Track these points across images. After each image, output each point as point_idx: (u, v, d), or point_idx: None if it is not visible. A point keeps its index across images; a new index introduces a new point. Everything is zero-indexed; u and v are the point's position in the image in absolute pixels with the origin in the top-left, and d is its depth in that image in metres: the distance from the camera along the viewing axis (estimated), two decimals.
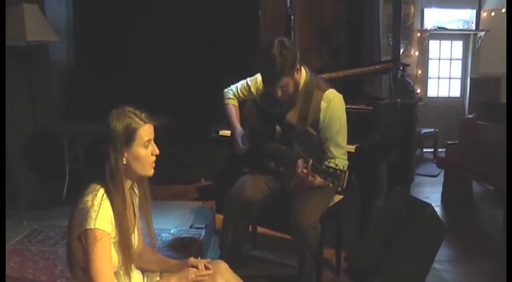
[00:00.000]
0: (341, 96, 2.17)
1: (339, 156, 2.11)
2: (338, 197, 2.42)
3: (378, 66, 2.80)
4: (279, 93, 2.02)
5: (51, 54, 3.67)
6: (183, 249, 2.68)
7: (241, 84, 2.43)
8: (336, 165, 1.81)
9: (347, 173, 1.77)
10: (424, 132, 5.50)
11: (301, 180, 1.96)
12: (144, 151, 1.51)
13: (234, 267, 2.38)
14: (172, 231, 2.91)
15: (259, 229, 3.04)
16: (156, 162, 1.57)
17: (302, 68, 2.12)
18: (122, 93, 3.94)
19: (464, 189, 3.98)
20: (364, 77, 2.96)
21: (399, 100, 2.80)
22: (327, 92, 2.12)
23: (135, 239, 1.63)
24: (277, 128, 2.24)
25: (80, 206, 1.44)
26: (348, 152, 2.22)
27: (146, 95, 4.08)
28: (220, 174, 4.09)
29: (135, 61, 3.99)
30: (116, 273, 1.55)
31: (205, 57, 3.96)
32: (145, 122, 1.51)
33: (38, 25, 3.10)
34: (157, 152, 1.56)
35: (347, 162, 2.14)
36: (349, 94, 2.84)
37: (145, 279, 1.74)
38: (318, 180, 1.90)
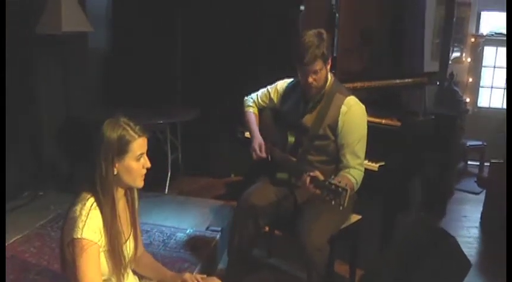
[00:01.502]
0: (363, 106, 2.12)
1: (355, 166, 2.04)
2: (356, 217, 2.30)
3: (411, 80, 2.62)
4: (310, 79, 2.01)
5: (90, 41, 3.73)
6: (195, 251, 2.67)
7: (262, 92, 2.43)
8: (339, 182, 1.72)
9: (348, 191, 1.68)
10: (470, 145, 5.16)
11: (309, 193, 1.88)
12: (136, 164, 1.50)
13: (242, 274, 2.37)
14: (187, 231, 2.91)
15: (279, 234, 2.93)
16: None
17: (329, 73, 2.12)
18: (155, 83, 3.99)
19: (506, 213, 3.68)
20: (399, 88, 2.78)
21: (433, 117, 2.61)
22: (348, 97, 2.10)
23: (131, 245, 1.63)
24: (290, 138, 2.20)
25: (69, 215, 1.46)
26: (370, 170, 2.11)
27: (179, 86, 4.11)
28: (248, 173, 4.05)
29: (171, 51, 3.98)
30: (107, 280, 1.55)
31: (241, 53, 3.89)
32: (139, 136, 1.49)
33: (74, 15, 3.15)
34: (149, 165, 1.54)
35: (362, 174, 2.06)
36: (382, 104, 2.72)
37: None
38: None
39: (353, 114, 2.06)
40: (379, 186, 2.32)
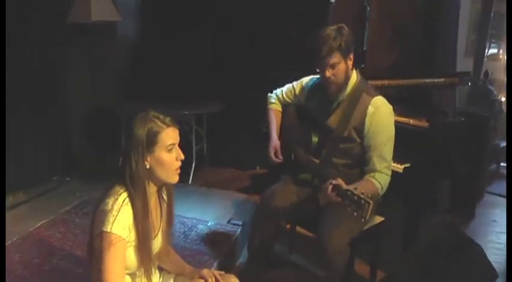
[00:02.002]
0: (390, 106, 2.04)
1: (382, 169, 1.98)
2: (379, 219, 2.25)
3: (441, 80, 2.52)
4: (328, 73, 1.96)
5: (119, 31, 3.77)
6: (215, 244, 2.68)
7: (287, 88, 2.38)
8: (362, 193, 1.66)
9: (372, 204, 1.61)
10: (504, 146, 4.97)
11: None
12: (168, 155, 1.47)
13: (261, 271, 2.37)
14: (209, 223, 2.92)
15: (301, 231, 2.88)
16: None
17: (354, 71, 2.06)
18: (183, 74, 4.00)
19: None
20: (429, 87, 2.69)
21: (463, 119, 2.51)
22: (375, 97, 2.02)
23: (159, 241, 1.63)
24: (314, 138, 2.15)
25: (101, 207, 1.45)
26: (394, 171, 2.05)
27: (207, 78, 4.11)
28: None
29: (200, 42, 3.98)
30: (132, 274, 1.56)
31: (267, 47, 3.85)
32: (168, 126, 1.47)
33: (103, 5, 3.20)
34: (182, 156, 1.51)
35: (388, 178, 2.00)
36: (411, 103, 2.64)
37: (161, 278, 1.75)
38: None
39: (380, 115, 1.99)
40: (403, 188, 2.25)
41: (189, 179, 3.66)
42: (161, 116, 1.48)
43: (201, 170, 3.92)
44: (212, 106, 3.72)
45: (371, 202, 1.61)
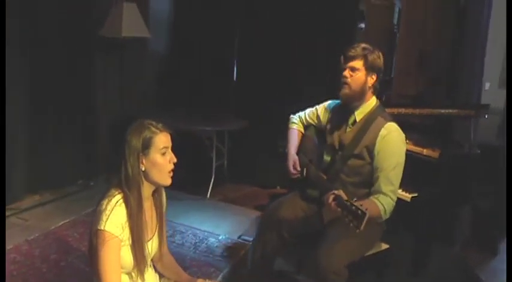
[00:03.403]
0: (403, 134, 2.07)
1: (387, 192, 1.99)
2: (384, 246, 2.24)
3: (455, 111, 2.51)
4: (347, 73, 2.05)
5: (150, 45, 3.97)
6: (223, 258, 2.75)
7: (310, 111, 2.44)
8: (361, 204, 1.69)
9: (367, 215, 1.64)
10: None
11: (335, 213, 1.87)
12: (161, 158, 1.57)
13: None
14: (220, 237, 2.99)
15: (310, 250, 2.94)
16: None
17: (374, 97, 2.13)
18: (207, 92, 4.13)
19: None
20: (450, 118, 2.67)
21: (479, 151, 2.48)
22: (390, 123, 2.06)
23: (153, 244, 1.71)
24: (326, 157, 2.19)
25: (97, 207, 1.57)
26: (402, 200, 2.05)
27: (232, 95, 4.20)
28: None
29: (225, 62, 4.10)
30: (128, 274, 1.65)
31: (294, 68, 3.92)
32: (160, 131, 1.58)
33: (134, 22, 3.41)
34: (175, 160, 1.61)
35: (393, 203, 2.00)
36: (433, 134, 2.63)
37: None
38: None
39: (391, 139, 2.02)
40: (410, 218, 2.24)
41: (207, 193, 3.74)
42: (154, 123, 1.60)
43: (221, 186, 4.00)
44: (234, 123, 3.81)
45: (367, 213, 1.63)
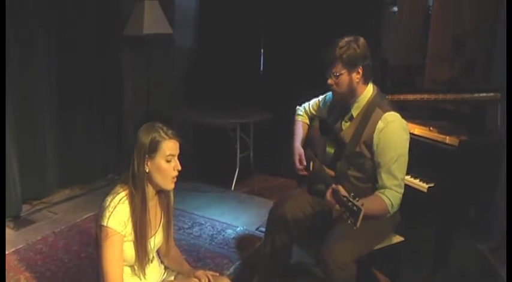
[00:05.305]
0: (404, 122, 1.93)
1: (391, 186, 1.89)
2: (398, 238, 2.13)
3: (482, 95, 2.31)
4: (330, 80, 1.97)
5: (177, 41, 4.00)
6: (238, 250, 2.73)
7: (313, 101, 2.38)
8: (357, 200, 1.60)
9: (362, 212, 1.55)
10: None
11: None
12: (166, 164, 1.59)
13: (276, 279, 2.33)
14: (238, 229, 2.98)
15: None
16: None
17: (370, 85, 2.00)
18: (232, 84, 4.11)
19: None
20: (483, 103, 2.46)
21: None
22: (387, 113, 1.92)
23: (156, 240, 1.73)
24: (329, 150, 2.12)
25: (102, 203, 1.61)
26: (419, 190, 1.93)
27: (254, 88, 4.15)
28: None
29: (251, 55, 4.06)
30: (131, 267, 1.69)
31: (317, 58, 3.81)
32: (169, 138, 1.59)
33: (155, 19, 3.44)
34: (179, 167, 1.62)
35: (399, 196, 1.89)
36: (459, 120, 2.46)
37: (165, 274, 1.84)
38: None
39: (390, 131, 1.90)
40: (427, 209, 2.11)
41: (231, 186, 3.73)
42: (164, 128, 1.61)
43: (249, 178, 3.98)
44: (259, 115, 3.77)
45: (362, 209, 1.56)
